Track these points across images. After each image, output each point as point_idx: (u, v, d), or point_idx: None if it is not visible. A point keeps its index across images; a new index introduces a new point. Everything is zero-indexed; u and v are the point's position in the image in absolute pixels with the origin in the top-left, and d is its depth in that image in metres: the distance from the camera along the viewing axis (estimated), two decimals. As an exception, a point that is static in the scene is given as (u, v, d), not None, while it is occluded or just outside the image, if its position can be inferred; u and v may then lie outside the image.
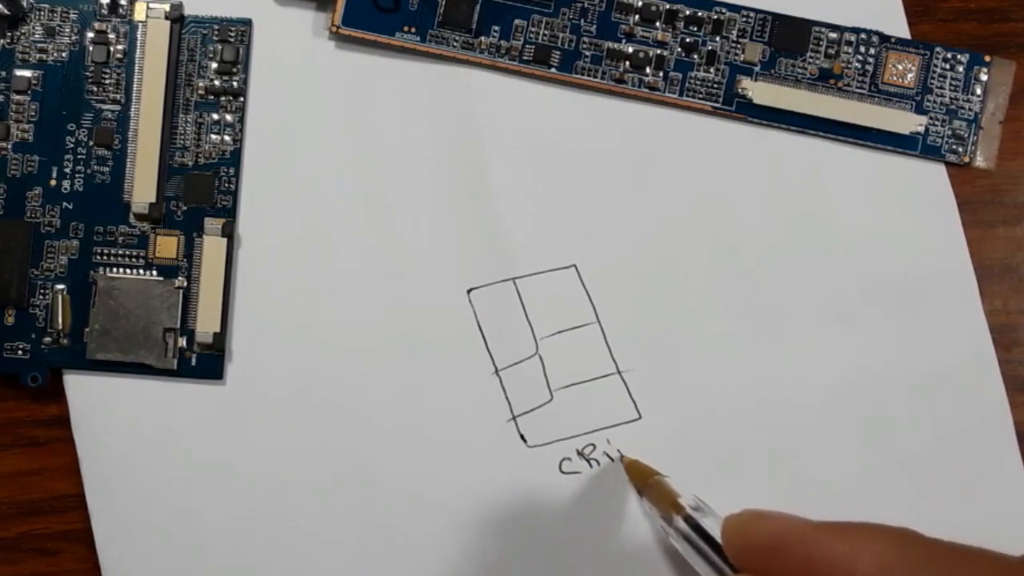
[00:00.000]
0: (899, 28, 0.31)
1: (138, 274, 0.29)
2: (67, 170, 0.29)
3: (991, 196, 0.31)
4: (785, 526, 0.20)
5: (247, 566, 0.29)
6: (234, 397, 0.29)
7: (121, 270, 0.29)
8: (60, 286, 0.29)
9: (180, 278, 0.29)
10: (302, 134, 0.30)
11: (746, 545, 0.21)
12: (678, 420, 0.30)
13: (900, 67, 0.30)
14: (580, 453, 0.30)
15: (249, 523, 0.29)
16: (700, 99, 0.30)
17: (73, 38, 0.29)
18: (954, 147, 0.31)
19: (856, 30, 0.30)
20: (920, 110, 0.30)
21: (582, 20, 0.30)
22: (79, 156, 0.29)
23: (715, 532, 0.23)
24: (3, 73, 0.29)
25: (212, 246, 0.29)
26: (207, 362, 0.29)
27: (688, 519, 0.25)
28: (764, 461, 0.30)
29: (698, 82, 0.30)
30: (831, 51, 0.30)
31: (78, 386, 0.29)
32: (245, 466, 0.29)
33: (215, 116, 0.30)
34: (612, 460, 0.30)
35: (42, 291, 0.29)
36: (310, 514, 0.29)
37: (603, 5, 0.30)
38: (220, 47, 0.30)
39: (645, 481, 0.28)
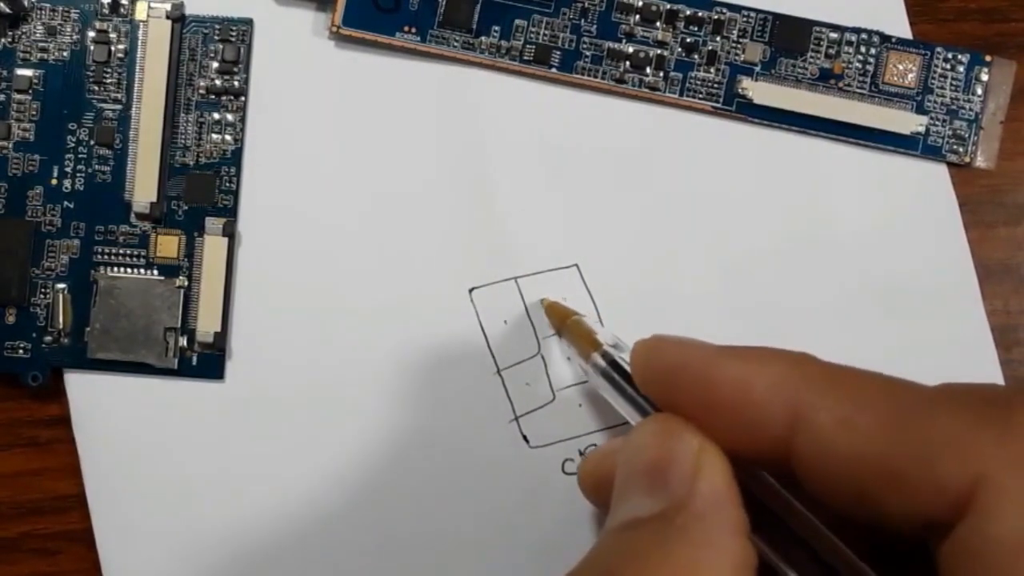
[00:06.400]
0: (900, 28, 0.31)
1: (139, 273, 0.29)
2: (68, 169, 0.29)
3: (992, 196, 0.31)
4: (687, 350, 0.20)
5: (247, 566, 0.29)
6: (234, 397, 0.29)
7: (122, 269, 0.29)
8: (61, 285, 0.29)
9: (181, 277, 0.29)
10: (303, 134, 0.30)
11: (651, 368, 0.21)
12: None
13: (901, 67, 0.30)
14: (583, 454, 0.30)
15: (249, 523, 0.29)
16: (700, 99, 0.30)
17: (74, 37, 0.29)
18: (955, 147, 0.31)
19: (857, 30, 0.30)
20: (921, 110, 0.31)
21: (582, 20, 0.30)
22: (80, 155, 0.29)
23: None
24: (4, 72, 0.29)
25: (213, 246, 0.29)
26: (207, 362, 0.29)
27: (605, 355, 0.25)
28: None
29: (698, 82, 0.30)
30: (832, 51, 0.30)
31: (79, 385, 0.29)
32: (245, 466, 0.29)
33: (216, 115, 0.30)
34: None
35: (43, 290, 0.29)
36: (310, 514, 0.29)
37: (603, 5, 0.30)
38: (221, 47, 0.30)
39: (564, 322, 0.28)
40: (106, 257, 0.29)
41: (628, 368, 0.23)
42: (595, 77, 0.30)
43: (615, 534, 0.19)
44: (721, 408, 0.19)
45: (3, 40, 0.29)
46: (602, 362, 0.25)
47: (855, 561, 0.18)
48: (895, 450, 0.17)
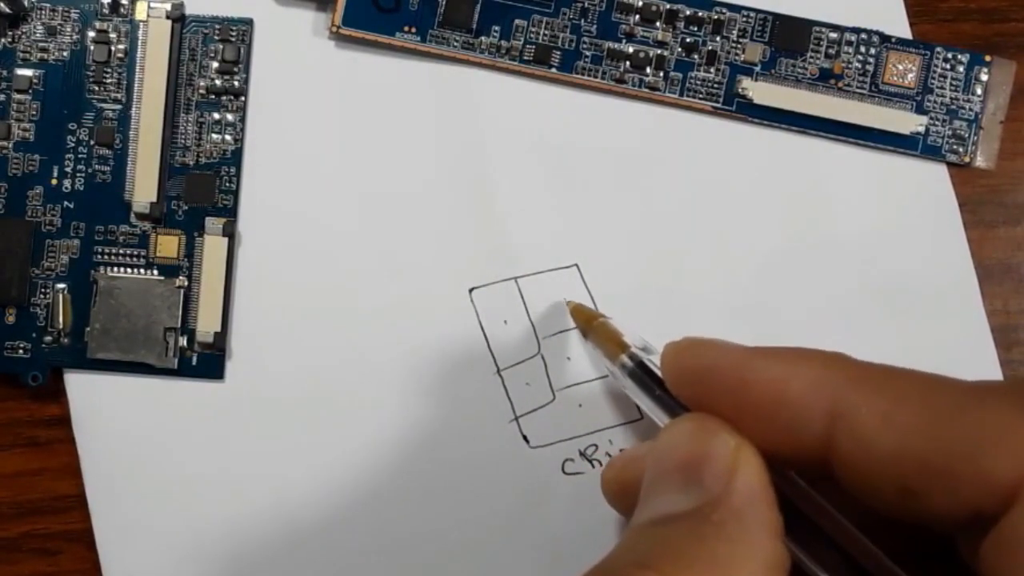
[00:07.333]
0: (900, 28, 0.31)
1: (139, 273, 0.29)
2: (68, 169, 0.29)
3: (991, 196, 0.31)
4: (720, 351, 0.20)
5: (247, 566, 0.29)
6: (234, 397, 0.29)
7: (122, 269, 0.29)
8: (61, 285, 0.29)
9: (181, 277, 0.29)
10: (302, 134, 0.30)
11: (683, 370, 0.21)
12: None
13: (900, 67, 0.30)
14: (583, 454, 0.30)
15: (249, 523, 0.29)
16: (700, 99, 0.30)
17: (74, 37, 0.29)
18: (954, 147, 0.31)
19: (856, 30, 0.30)
20: (920, 110, 0.31)
21: (582, 20, 0.30)
22: (80, 155, 0.29)
23: (659, 368, 0.23)
24: (4, 72, 0.29)
25: (213, 245, 0.29)
26: (207, 362, 0.29)
27: (632, 356, 0.25)
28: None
29: (698, 82, 0.30)
30: (831, 51, 0.30)
31: (79, 385, 0.29)
32: (245, 466, 0.29)
33: (216, 115, 0.30)
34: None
35: (43, 290, 0.29)
36: (310, 514, 0.29)
37: (603, 5, 0.30)
38: (221, 46, 0.30)
39: (590, 324, 0.28)
40: (106, 257, 0.29)
41: (656, 370, 0.23)
42: (595, 77, 0.30)
43: (646, 528, 0.19)
44: (756, 409, 0.19)
45: (3, 40, 0.29)
46: (630, 363, 0.25)
47: (886, 562, 0.18)
48: (939, 445, 0.17)
